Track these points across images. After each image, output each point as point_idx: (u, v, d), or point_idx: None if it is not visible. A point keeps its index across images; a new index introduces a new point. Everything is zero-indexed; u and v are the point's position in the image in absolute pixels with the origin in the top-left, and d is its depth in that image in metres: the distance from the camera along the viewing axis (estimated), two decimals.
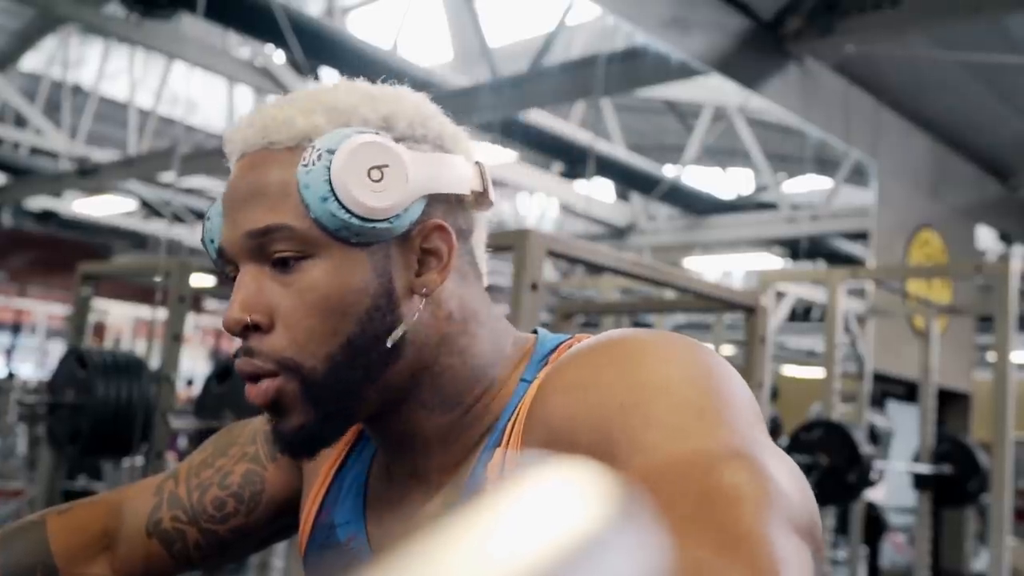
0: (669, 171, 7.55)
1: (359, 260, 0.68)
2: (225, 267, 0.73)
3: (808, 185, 8.84)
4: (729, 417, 0.58)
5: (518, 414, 0.71)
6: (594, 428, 0.61)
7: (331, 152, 0.66)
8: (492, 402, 0.74)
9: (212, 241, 0.75)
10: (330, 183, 0.66)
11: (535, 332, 0.79)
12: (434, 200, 0.70)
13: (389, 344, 0.69)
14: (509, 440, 0.70)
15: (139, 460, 3.31)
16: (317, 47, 4.84)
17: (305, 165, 0.67)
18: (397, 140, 0.69)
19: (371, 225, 0.67)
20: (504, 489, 0.28)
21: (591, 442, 0.60)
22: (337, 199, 0.66)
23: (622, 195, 8.46)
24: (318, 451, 0.73)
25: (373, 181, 0.66)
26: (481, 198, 0.74)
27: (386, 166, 0.67)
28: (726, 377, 0.63)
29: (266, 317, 0.68)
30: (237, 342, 0.71)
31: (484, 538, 0.26)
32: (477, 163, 0.74)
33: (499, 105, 5.30)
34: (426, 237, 0.70)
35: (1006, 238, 7.55)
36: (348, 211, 0.66)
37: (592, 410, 0.62)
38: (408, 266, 0.70)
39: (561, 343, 0.76)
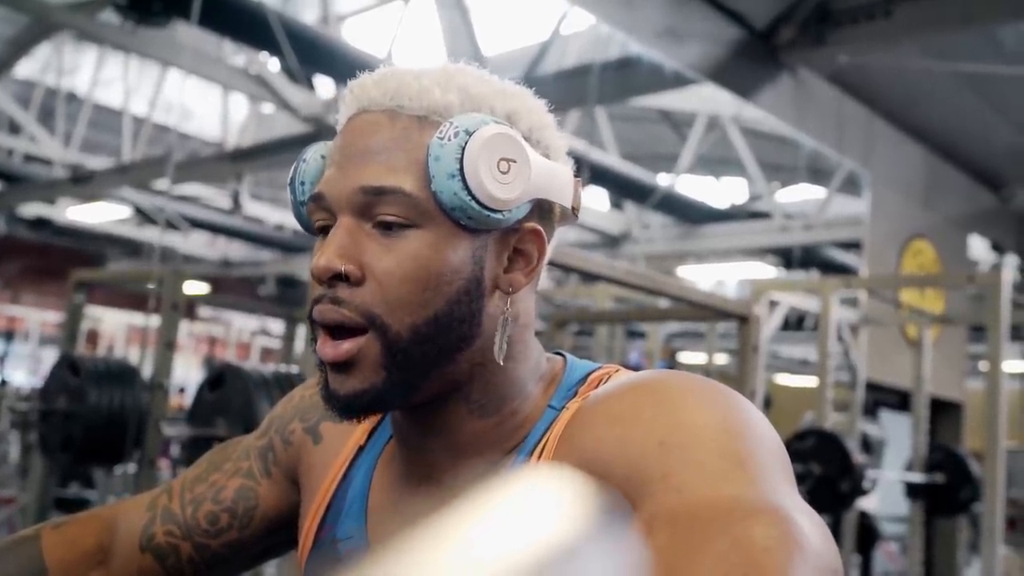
0: (663, 180, 7.56)
1: (462, 242, 0.69)
2: (315, 213, 0.72)
3: (801, 194, 8.86)
4: (763, 469, 0.59)
5: (547, 440, 0.71)
6: (630, 462, 0.62)
7: (468, 133, 0.67)
8: (524, 419, 0.74)
9: (303, 183, 0.75)
10: (461, 162, 0.67)
11: (560, 354, 0.80)
12: (536, 205, 0.72)
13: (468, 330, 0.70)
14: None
15: (131, 468, 3.30)
16: (312, 55, 4.85)
17: (441, 138, 0.67)
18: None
19: (486, 213, 0.68)
20: (512, 498, 0.28)
21: (626, 475, 0.61)
22: (464, 179, 0.67)
23: (616, 204, 8.47)
24: (368, 416, 0.73)
25: (500, 172, 0.68)
26: (570, 214, 0.76)
27: (514, 161, 0.68)
28: (761, 428, 0.64)
29: (359, 270, 0.68)
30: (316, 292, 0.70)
31: (485, 546, 0.26)
32: (577, 179, 0.76)
33: None
34: (522, 238, 0.72)
35: (998, 248, 7.57)
36: (470, 193, 0.67)
37: (631, 444, 0.63)
38: (499, 261, 0.72)
39: (591, 372, 0.76)
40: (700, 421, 0.62)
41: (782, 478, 0.60)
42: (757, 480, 0.57)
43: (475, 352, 0.71)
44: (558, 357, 0.79)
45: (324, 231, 0.72)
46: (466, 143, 0.67)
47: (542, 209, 0.73)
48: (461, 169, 0.67)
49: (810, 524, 0.54)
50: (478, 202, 0.67)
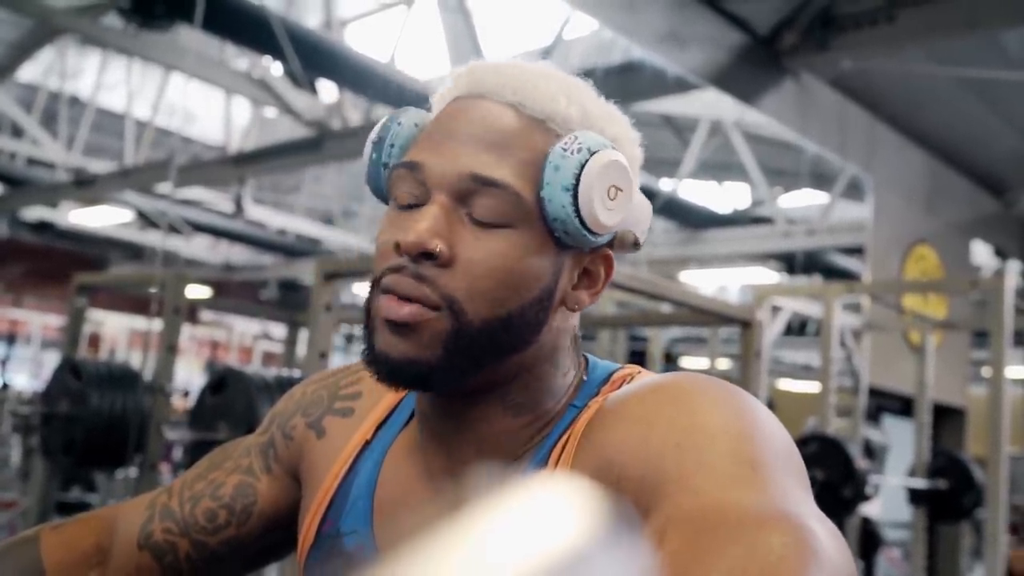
0: (665, 185, 7.56)
1: (548, 251, 0.70)
2: (398, 181, 0.71)
3: (804, 200, 8.86)
4: (779, 474, 0.59)
5: (568, 438, 0.72)
6: (647, 462, 0.62)
7: (591, 152, 0.68)
8: (550, 420, 0.75)
9: (393, 146, 0.74)
10: (578, 179, 0.67)
11: (583, 355, 0.80)
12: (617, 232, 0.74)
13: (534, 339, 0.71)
14: (558, 463, 0.71)
15: (133, 472, 3.30)
16: (315, 59, 4.85)
17: (565, 149, 0.68)
18: None
19: (584, 232, 0.69)
20: (506, 503, 0.27)
21: (641, 475, 0.62)
22: (575, 196, 0.67)
23: None
24: (411, 388, 0.73)
25: (609, 199, 0.69)
26: (637, 244, 0.77)
27: (621, 190, 0.70)
28: (777, 433, 0.64)
29: (449, 252, 0.68)
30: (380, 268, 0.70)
31: (492, 551, 0.25)
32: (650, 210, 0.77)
33: None
34: (595, 260, 0.74)
35: (1001, 253, 7.57)
36: (577, 211, 0.68)
37: (648, 445, 0.63)
38: (571, 277, 0.73)
39: (613, 372, 0.77)
40: (717, 425, 0.62)
41: (797, 484, 0.60)
42: (772, 485, 0.57)
43: (525, 356, 0.72)
44: (580, 358, 0.80)
45: (405, 206, 0.70)
46: (586, 161, 0.68)
47: (616, 236, 0.75)
48: (576, 185, 0.67)
49: (825, 532, 0.54)
50: (581, 221, 0.68)
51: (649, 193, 6.55)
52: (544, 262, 0.70)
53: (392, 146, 0.74)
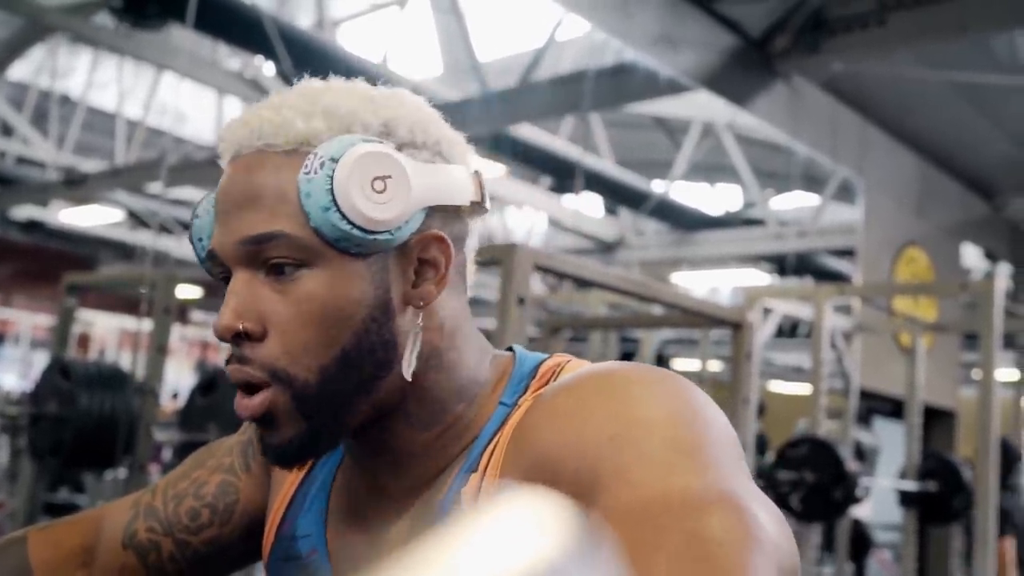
0: (657, 186, 7.57)
1: (357, 270, 0.67)
2: (214, 268, 0.71)
3: (795, 202, 8.88)
4: (717, 458, 0.58)
5: (498, 439, 0.70)
6: (581, 458, 0.60)
7: (334, 160, 0.64)
8: (471, 422, 0.73)
9: (200, 240, 0.73)
10: (332, 193, 0.64)
11: (510, 349, 0.78)
12: (433, 210, 0.69)
13: (382, 356, 0.68)
14: (488, 465, 0.69)
15: (122, 472, 3.28)
16: (307, 59, 4.84)
17: (307, 173, 0.65)
18: (398, 147, 0.68)
19: (372, 236, 0.65)
20: (473, 518, 0.27)
21: (576, 471, 0.60)
22: (339, 209, 0.64)
23: (610, 210, 8.48)
24: (307, 462, 0.72)
25: (376, 192, 0.65)
26: (477, 207, 0.72)
27: (389, 177, 0.65)
28: (713, 418, 0.63)
29: (259, 325, 0.67)
30: (226, 349, 0.69)
31: (450, 568, 0.25)
32: (475, 172, 0.73)
33: (488, 119, 5.31)
34: (424, 248, 0.69)
35: (991, 256, 7.60)
36: (350, 222, 0.64)
37: (580, 440, 0.61)
38: (405, 277, 0.69)
39: (540, 363, 0.75)
40: (650, 413, 0.61)
41: (736, 467, 0.59)
42: (710, 470, 0.56)
43: (398, 374, 0.70)
44: (507, 352, 0.77)
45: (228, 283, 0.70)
46: (333, 171, 0.64)
47: (445, 212, 0.70)
48: (334, 200, 0.64)
49: (765, 513, 0.54)
50: (360, 228, 0.65)
51: (641, 194, 6.53)
52: (358, 283, 0.67)
53: (200, 240, 0.74)
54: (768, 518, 0.53)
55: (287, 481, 0.83)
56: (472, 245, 0.75)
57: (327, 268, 0.66)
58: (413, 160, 0.68)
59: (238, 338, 0.67)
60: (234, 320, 0.66)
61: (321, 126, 0.67)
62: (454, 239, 0.71)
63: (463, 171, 0.71)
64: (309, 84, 0.72)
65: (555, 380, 0.71)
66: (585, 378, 0.67)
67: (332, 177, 0.64)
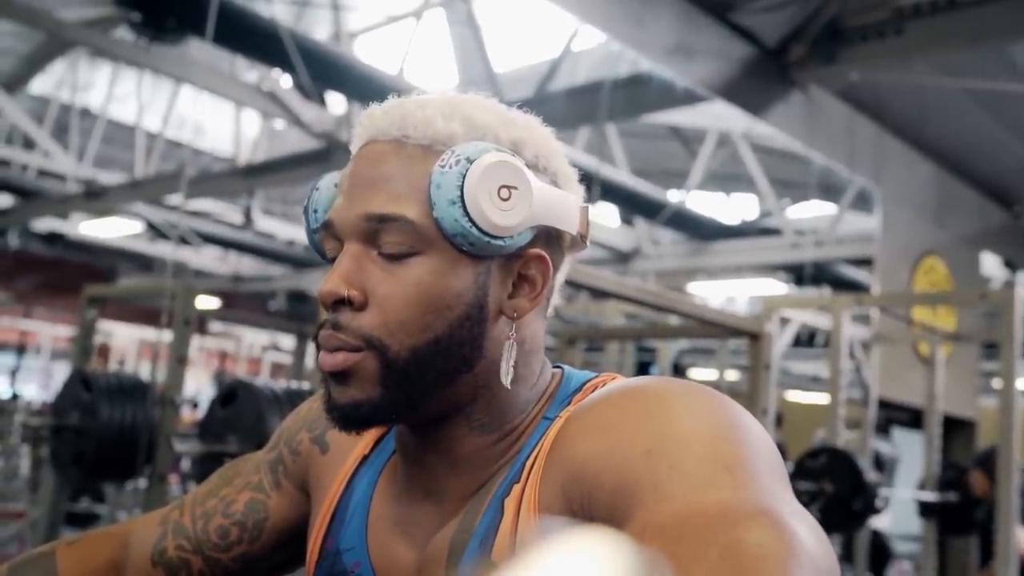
0: (673, 196, 7.56)
1: (464, 267, 0.70)
2: (325, 239, 0.74)
3: (812, 211, 8.84)
4: (755, 472, 0.58)
5: (538, 451, 0.72)
6: (618, 471, 0.61)
7: (470, 161, 0.68)
8: (520, 435, 0.75)
9: (316, 211, 0.77)
10: (462, 189, 0.68)
11: (559, 367, 0.80)
12: (542, 231, 0.73)
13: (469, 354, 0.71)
14: (528, 476, 0.71)
15: (142, 483, 3.30)
16: (324, 72, 4.87)
17: (442, 166, 0.69)
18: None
19: (487, 239, 0.69)
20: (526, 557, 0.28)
21: (614, 485, 0.61)
22: (464, 206, 0.68)
23: (627, 220, 8.47)
24: (366, 428, 0.74)
25: (501, 199, 0.68)
26: (578, 241, 0.76)
27: (515, 188, 0.69)
28: (752, 431, 0.63)
29: (362, 295, 0.70)
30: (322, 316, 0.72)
31: None
32: (584, 207, 0.76)
33: None
34: (526, 264, 0.73)
35: (1011, 265, 7.54)
36: (471, 220, 0.68)
37: (618, 454, 0.62)
38: (504, 286, 0.73)
39: (586, 382, 0.77)
40: (687, 428, 0.61)
41: (775, 480, 0.58)
42: (748, 484, 0.56)
43: (478, 375, 0.73)
44: (557, 370, 0.80)
45: (336, 259, 0.73)
46: (467, 170, 0.68)
47: (549, 236, 0.74)
48: (462, 196, 0.68)
49: (805, 528, 0.53)
50: (479, 228, 0.68)
51: (657, 204, 6.51)
52: (462, 279, 0.70)
53: (316, 211, 0.77)
54: (808, 533, 0.53)
55: (327, 496, 0.84)
56: (562, 277, 0.79)
57: (438, 259, 0.70)
58: (537, 179, 0.71)
59: (339, 304, 0.70)
60: (340, 286, 0.69)
61: (459, 129, 0.71)
62: (553, 264, 0.75)
63: (577, 202, 0.75)
64: (451, 92, 0.75)
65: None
66: (622, 391, 0.69)
67: (465, 175, 0.68)
